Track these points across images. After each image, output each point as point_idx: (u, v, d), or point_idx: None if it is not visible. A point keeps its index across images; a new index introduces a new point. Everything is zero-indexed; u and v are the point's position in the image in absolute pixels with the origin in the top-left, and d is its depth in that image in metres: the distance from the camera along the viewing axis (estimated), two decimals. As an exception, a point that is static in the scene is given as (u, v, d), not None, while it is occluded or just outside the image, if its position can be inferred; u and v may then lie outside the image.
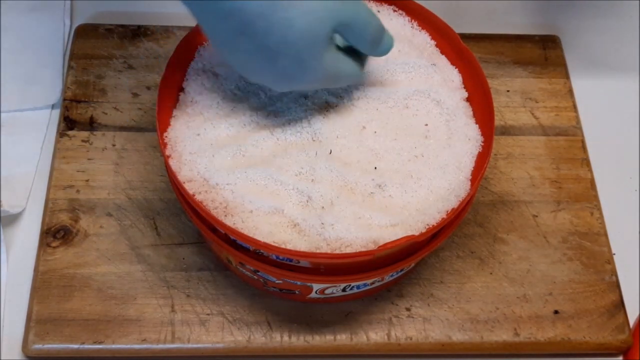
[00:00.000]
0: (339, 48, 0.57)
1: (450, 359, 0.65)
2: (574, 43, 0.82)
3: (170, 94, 0.61)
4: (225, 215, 0.55)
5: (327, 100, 0.62)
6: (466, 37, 0.76)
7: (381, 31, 0.57)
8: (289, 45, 0.53)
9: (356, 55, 0.59)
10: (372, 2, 0.66)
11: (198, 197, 0.56)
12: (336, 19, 0.54)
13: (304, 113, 0.61)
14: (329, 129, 0.60)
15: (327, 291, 0.61)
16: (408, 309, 0.65)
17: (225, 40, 0.54)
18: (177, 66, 0.62)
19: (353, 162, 0.59)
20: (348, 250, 0.54)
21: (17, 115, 0.72)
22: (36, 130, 0.72)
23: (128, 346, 0.62)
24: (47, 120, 0.73)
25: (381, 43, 0.58)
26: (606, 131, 0.77)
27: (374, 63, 0.63)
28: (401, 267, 0.58)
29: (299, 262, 0.56)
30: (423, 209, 0.57)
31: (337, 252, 0.54)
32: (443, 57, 0.65)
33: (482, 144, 0.61)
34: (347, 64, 0.57)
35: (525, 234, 0.69)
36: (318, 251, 0.54)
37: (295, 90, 0.61)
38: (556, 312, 0.66)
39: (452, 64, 0.64)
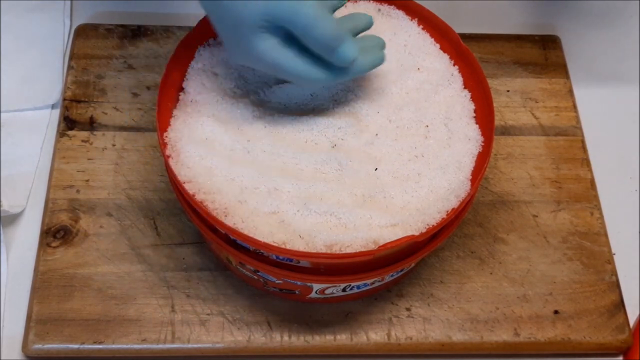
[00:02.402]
0: (298, 43, 0.55)
1: (450, 359, 0.65)
2: (574, 43, 0.82)
3: (170, 94, 0.61)
4: (225, 215, 0.55)
5: (327, 101, 0.62)
6: (466, 37, 0.76)
7: (332, 38, 0.54)
8: (220, 19, 0.55)
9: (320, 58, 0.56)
10: (372, 1, 0.66)
11: (198, 197, 0.56)
12: (265, 8, 0.53)
13: (304, 113, 0.61)
14: (329, 129, 0.60)
15: (327, 291, 0.61)
16: (408, 309, 0.65)
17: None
18: (177, 66, 0.62)
19: (353, 162, 0.59)
20: (348, 250, 0.54)
21: (17, 115, 0.72)
22: (36, 130, 0.72)
23: (128, 346, 0.62)
24: (47, 120, 0.73)
25: (335, 51, 0.54)
26: (606, 131, 0.77)
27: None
28: (401, 267, 0.58)
29: (299, 262, 0.56)
30: (423, 209, 0.57)
31: (337, 252, 0.54)
32: (443, 57, 0.65)
33: (482, 144, 0.61)
34: (293, 60, 0.55)
35: (525, 234, 0.69)
36: (318, 251, 0.54)
37: (247, 65, 0.59)
38: (556, 312, 0.66)
39: (452, 64, 0.64)
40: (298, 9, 0.53)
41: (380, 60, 0.59)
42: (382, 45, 0.59)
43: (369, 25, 0.60)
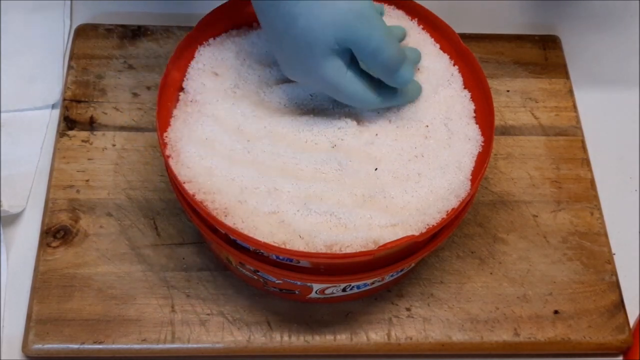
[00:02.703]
0: (356, 67, 0.57)
1: (450, 359, 0.65)
2: (574, 43, 0.82)
3: (170, 94, 0.61)
4: (225, 216, 0.55)
5: (327, 101, 0.62)
6: (466, 37, 0.76)
7: (397, 61, 0.56)
8: (291, 38, 0.55)
9: (378, 82, 0.58)
10: (372, 1, 0.66)
11: (198, 197, 0.56)
12: (340, 32, 0.54)
13: (304, 113, 0.61)
14: (329, 129, 0.60)
15: (327, 291, 0.61)
16: (408, 309, 0.65)
17: (258, 12, 0.58)
18: (177, 66, 0.62)
19: (353, 162, 0.59)
20: (348, 250, 0.54)
21: (17, 115, 0.72)
22: (36, 130, 0.72)
23: (128, 346, 0.62)
24: (47, 120, 0.73)
25: (396, 74, 0.57)
26: (606, 131, 0.77)
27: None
28: (401, 267, 0.58)
29: (299, 262, 0.56)
30: (423, 208, 0.57)
31: (337, 252, 0.54)
32: (443, 57, 0.65)
33: (482, 144, 0.61)
34: (353, 84, 0.57)
35: (525, 234, 0.69)
36: (318, 251, 0.54)
37: (301, 82, 0.60)
38: (556, 312, 0.66)
39: (452, 64, 0.64)
40: (371, 33, 0.54)
41: (419, 91, 0.61)
42: (419, 89, 0.62)
43: (403, 37, 0.63)
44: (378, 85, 0.58)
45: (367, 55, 0.55)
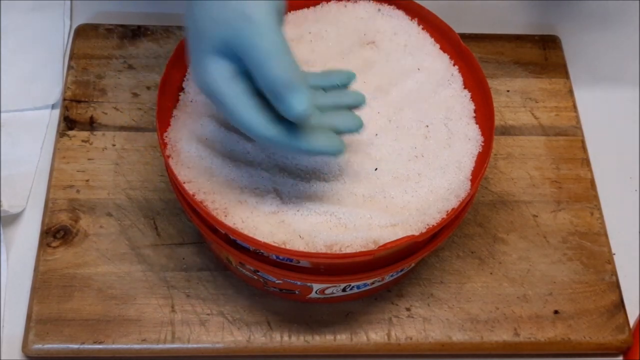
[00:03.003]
0: (252, 84, 0.49)
1: (450, 359, 0.65)
2: (574, 43, 0.82)
3: (170, 94, 0.61)
4: (225, 216, 0.55)
5: (327, 100, 0.62)
6: (466, 37, 0.76)
7: (285, 83, 0.46)
8: (188, 29, 0.51)
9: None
10: (372, 1, 0.66)
11: (198, 197, 0.56)
12: (226, 31, 0.47)
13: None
14: (329, 129, 0.60)
15: (327, 291, 0.61)
16: (408, 309, 0.65)
17: None
18: (177, 66, 0.62)
19: (353, 162, 0.59)
20: (348, 250, 0.54)
21: (17, 115, 0.72)
22: (36, 130, 0.72)
23: (128, 346, 0.62)
24: (47, 120, 0.73)
25: (283, 99, 0.46)
26: (606, 131, 0.77)
27: (376, 68, 0.63)
28: (401, 267, 0.58)
29: (299, 262, 0.56)
30: (423, 209, 0.57)
31: (337, 252, 0.54)
32: (443, 57, 0.65)
33: (482, 144, 0.61)
34: (239, 99, 0.48)
35: (525, 234, 0.69)
36: (318, 251, 0.54)
37: (202, 92, 0.52)
38: (556, 312, 0.66)
39: (452, 64, 0.64)
40: (257, 41, 0.46)
41: (304, 110, 0.47)
42: (358, 124, 0.53)
43: (356, 103, 0.55)
44: (282, 119, 0.49)
45: (252, 66, 0.47)
